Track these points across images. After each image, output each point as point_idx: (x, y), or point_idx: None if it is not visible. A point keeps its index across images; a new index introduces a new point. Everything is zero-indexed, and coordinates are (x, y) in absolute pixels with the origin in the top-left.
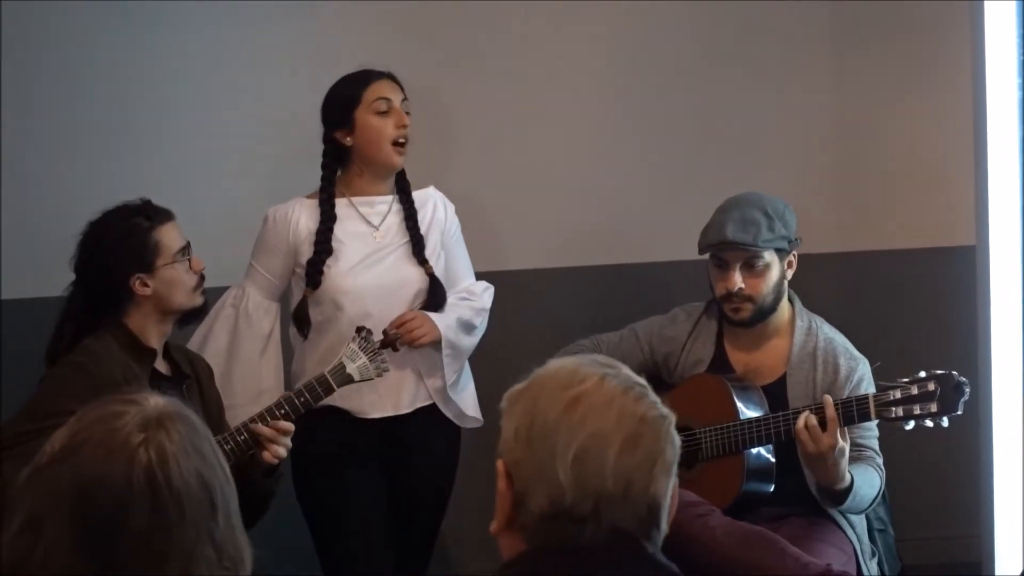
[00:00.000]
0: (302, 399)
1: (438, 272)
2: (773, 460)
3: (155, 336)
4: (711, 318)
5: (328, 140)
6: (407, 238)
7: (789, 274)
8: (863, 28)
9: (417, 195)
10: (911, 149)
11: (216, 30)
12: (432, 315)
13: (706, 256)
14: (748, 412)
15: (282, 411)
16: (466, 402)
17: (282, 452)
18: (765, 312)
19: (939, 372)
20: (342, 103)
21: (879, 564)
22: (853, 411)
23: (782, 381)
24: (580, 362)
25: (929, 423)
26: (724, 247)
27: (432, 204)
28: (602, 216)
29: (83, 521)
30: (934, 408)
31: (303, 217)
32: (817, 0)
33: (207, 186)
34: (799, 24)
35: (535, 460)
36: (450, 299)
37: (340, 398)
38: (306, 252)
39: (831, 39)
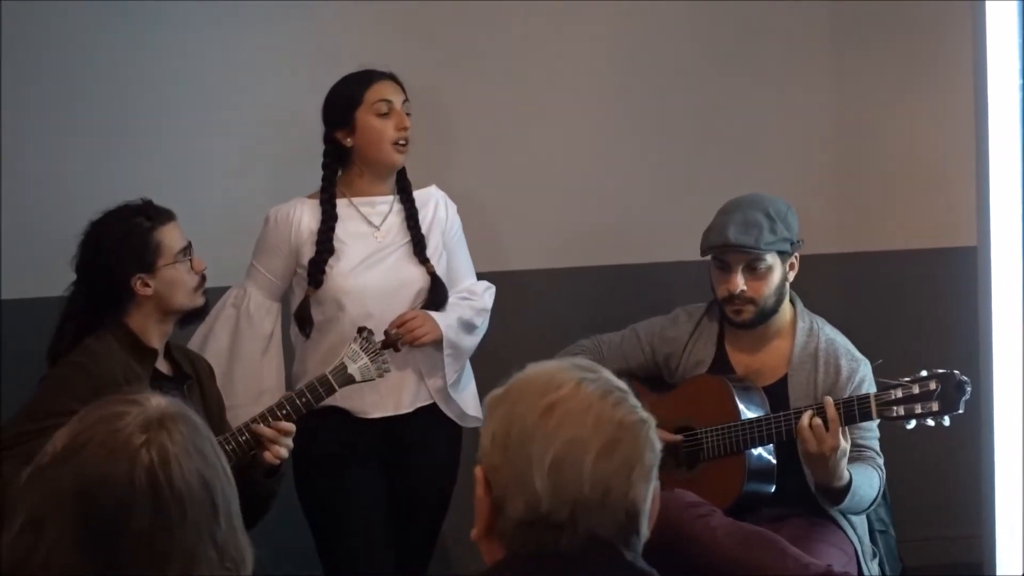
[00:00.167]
0: (303, 399)
1: (439, 271)
2: (774, 461)
3: (156, 336)
4: (712, 319)
5: (329, 140)
6: (408, 238)
7: (791, 276)
8: (863, 28)
9: (418, 194)
10: (912, 150)
11: (216, 30)
12: (433, 314)
13: (707, 257)
14: (749, 413)
15: (283, 411)
16: (467, 402)
17: (283, 452)
18: (767, 314)
19: (940, 371)
20: (343, 103)
21: (880, 565)
22: (855, 410)
23: (783, 382)
24: (559, 367)
25: (930, 422)
26: (726, 249)
27: (433, 203)
28: (602, 216)
29: (85, 521)
30: (935, 407)
31: (305, 217)
32: (817, 0)
33: (208, 186)
34: (799, 24)
35: (512, 467)
36: (451, 299)
37: (341, 398)
38: (308, 252)
39: (831, 39)
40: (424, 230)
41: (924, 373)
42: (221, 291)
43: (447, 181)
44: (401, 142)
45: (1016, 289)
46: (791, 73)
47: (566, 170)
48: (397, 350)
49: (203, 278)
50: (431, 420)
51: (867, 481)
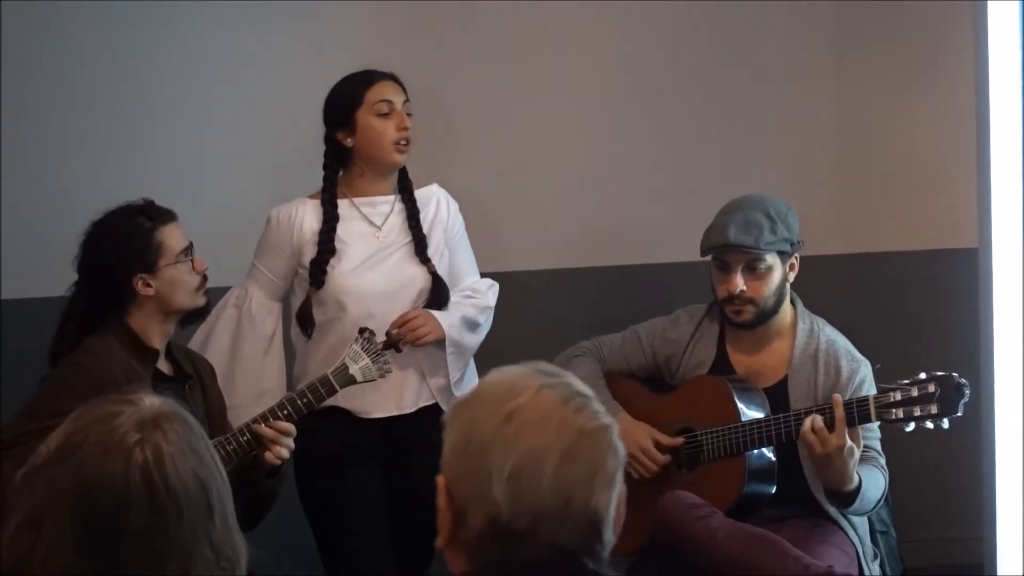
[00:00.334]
0: (304, 400)
1: (441, 270)
2: (774, 461)
3: (157, 336)
4: (713, 320)
5: (330, 140)
6: (410, 238)
7: (791, 276)
8: (864, 29)
9: (420, 193)
10: (913, 150)
11: (217, 31)
12: (436, 313)
13: (708, 258)
14: (749, 414)
15: (284, 412)
16: None
17: (284, 453)
18: (767, 314)
19: (939, 374)
20: (344, 104)
21: (881, 566)
22: (854, 413)
23: (784, 383)
24: (520, 373)
25: (929, 425)
26: (726, 249)
27: (435, 202)
28: (604, 217)
29: (83, 521)
30: (934, 410)
31: (307, 217)
32: (819, 0)
33: (209, 187)
34: (800, 25)
35: (472, 477)
36: (454, 297)
37: (343, 398)
38: (310, 252)
39: (832, 40)
40: (426, 229)
41: (923, 376)
42: (222, 291)
43: (448, 182)
44: (402, 142)
45: (1017, 291)
46: (792, 74)
47: (567, 171)
48: (399, 351)
49: (204, 278)
50: (433, 420)
51: (873, 482)
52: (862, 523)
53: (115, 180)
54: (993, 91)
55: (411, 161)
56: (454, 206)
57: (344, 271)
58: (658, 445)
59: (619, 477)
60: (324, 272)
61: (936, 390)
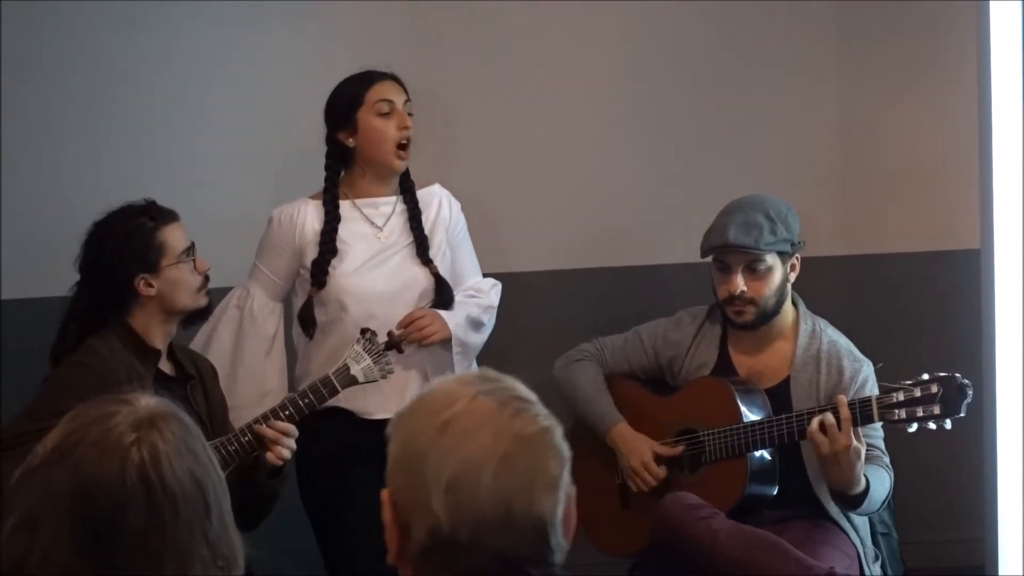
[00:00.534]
0: (306, 400)
1: (444, 270)
2: (776, 463)
3: (159, 336)
4: (715, 321)
5: (331, 141)
6: (411, 239)
7: (792, 277)
8: (866, 30)
9: (422, 193)
10: (914, 151)
11: (219, 31)
12: (442, 313)
13: (709, 259)
14: (751, 415)
15: (286, 412)
16: None
17: (286, 454)
18: (768, 315)
19: (942, 374)
20: (344, 104)
21: (882, 567)
22: (856, 413)
23: (786, 384)
24: (459, 381)
25: (932, 425)
26: (726, 250)
27: (437, 202)
28: (606, 218)
29: (81, 521)
30: (937, 410)
31: (309, 218)
32: (821, 1)
33: (211, 187)
34: (802, 26)
35: (412, 490)
36: (458, 297)
37: (344, 399)
38: (311, 253)
39: (835, 41)
40: (427, 229)
41: (926, 376)
42: (224, 292)
43: (449, 182)
44: (403, 142)
45: (1018, 291)
46: (794, 75)
47: (569, 172)
48: (401, 351)
49: (206, 278)
50: None
51: (880, 482)
52: (863, 524)
53: (116, 180)
54: (995, 92)
55: (413, 161)
56: (456, 206)
57: (346, 272)
58: (657, 457)
59: (564, 479)
60: (326, 273)
61: (939, 390)
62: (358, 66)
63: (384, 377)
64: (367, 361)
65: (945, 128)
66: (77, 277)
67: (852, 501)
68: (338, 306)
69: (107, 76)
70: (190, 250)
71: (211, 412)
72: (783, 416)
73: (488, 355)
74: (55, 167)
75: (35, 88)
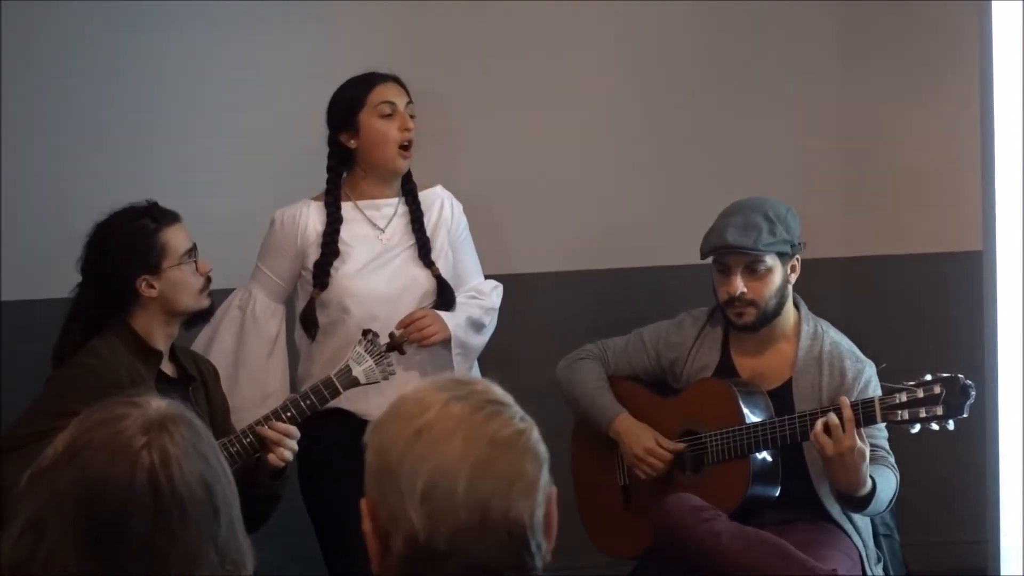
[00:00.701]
0: (308, 402)
1: (445, 271)
2: (779, 465)
3: (161, 338)
4: (716, 323)
5: (333, 143)
6: (413, 240)
7: (793, 278)
8: (869, 33)
9: (424, 195)
10: (917, 154)
11: (221, 32)
12: (442, 314)
13: (709, 261)
14: (753, 416)
15: (288, 414)
16: None
17: (288, 455)
18: (768, 316)
19: (945, 375)
20: (346, 106)
21: (884, 569)
22: (859, 414)
23: (788, 385)
24: (431, 387)
25: (935, 426)
26: (725, 251)
27: (439, 203)
28: (608, 219)
29: (86, 523)
30: (940, 411)
31: (311, 219)
32: (824, 1)
33: (213, 188)
34: (806, 27)
35: (388, 500)
36: (459, 298)
37: (346, 400)
38: (313, 254)
39: (837, 44)
40: (429, 231)
41: (929, 377)
42: (226, 293)
43: (451, 184)
44: (405, 144)
45: (1020, 293)
46: (797, 77)
47: (571, 173)
48: (402, 352)
49: (208, 280)
50: None
51: (886, 483)
52: (866, 526)
53: (117, 182)
54: (997, 94)
55: (414, 163)
56: (458, 207)
57: (348, 273)
58: (660, 446)
59: (543, 481)
60: (328, 274)
61: (942, 391)
62: (360, 67)
63: (386, 378)
64: (369, 362)
65: (948, 130)
66: (77, 278)
67: (858, 503)
68: (340, 308)
69: (108, 77)
70: (192, 251)
71: (213, 414)
72: (785, 417)
73: (490, 356)
74: (55, 168)
75: (35, 88)
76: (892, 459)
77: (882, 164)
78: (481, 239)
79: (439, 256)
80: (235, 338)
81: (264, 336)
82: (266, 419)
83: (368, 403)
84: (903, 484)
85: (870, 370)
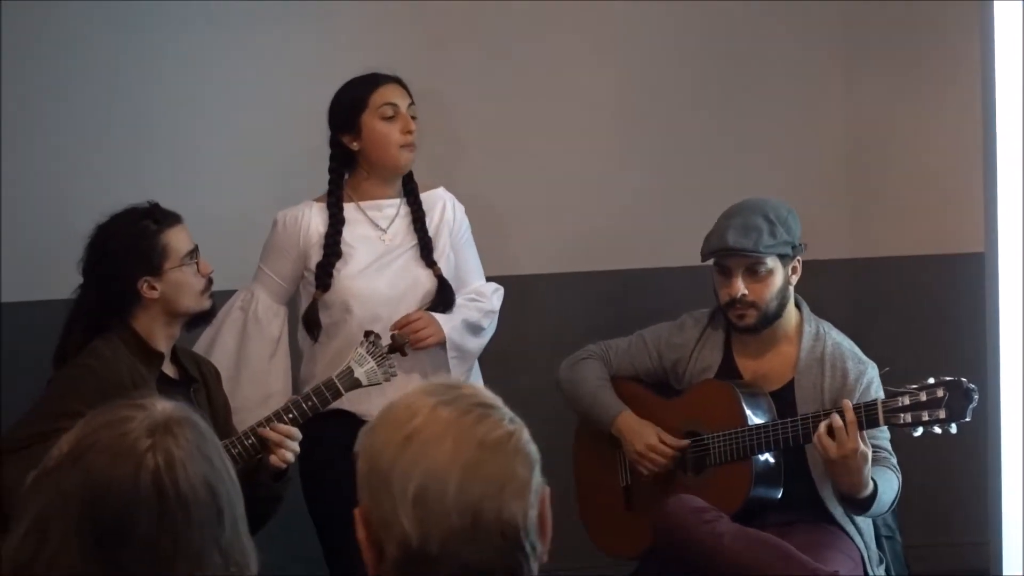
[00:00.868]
0: (310, 403)
1: (447, 273)
2: (781, 466)
3: (162, 339)
4: (718, 325)
5: (335, 144)
6: (415, 241)
7: (794, 280)
8: (872, 34)
9: (426, 196)
10: (919, 155)
11: (221, 32)
12: (438, 316)
13: (711, 262)
14: (756, 418)
15: (290, 415)
16: None
17: (290, 456)
18: (770, 318)
19: (948, 378)
20: (348, 107)
21: (886, 570)
22: (862, 417)
23: (790, 387)
24: (419, 392)
25: (937, 430)
26: (725, 253)
27: (441, 205)
28: (610, 221)
29: (90, 525)
30: (943, 415)
31: (313, 220)
32: (827, 1)
33: (214, 189)
34: (808, 29)
35: (380, 507)
36: (458, 300)
37: (348, 401)
38: (316, 256)
39: (839, 44)
40: (431, 232)
41: (931, 380)
42: (228, 294)
43: (454, 185)
44: (407, 146)
45: (1022, 295)
46: (798, 78)
47: (572, 174)
48: (404, 354)
49: (210, 281)
50: None
51: (888, 484)
52: (868, 528)
53: (118, 183)
54: (999, 95)
55: (417, 165)
56: (460, 209)
57: (350, 274)
58: (663, 443)
59: (535, 481)
60: (330, 275)
61: (945, 395)
62: (361, 67)
63: (388, 380)
64: (370, 364)
65: (950, 131)
66: (78, 280)
67: (860, 504)
68: (342, 309)
69: (108, 77)
70: (193, 253)
71: (214, 415)
72: (788, 419)
73: (491, 358)
74: (55, 169)
75: (35, 89)
76: (894, 460)
77: (884, 165)
78: (482, 240)
79: (440, 258)
80: (237, 339)
81: (266, 337)
82: (268, 420)
83: (370, 404)
84: (905, 485)
85: (872, 371)
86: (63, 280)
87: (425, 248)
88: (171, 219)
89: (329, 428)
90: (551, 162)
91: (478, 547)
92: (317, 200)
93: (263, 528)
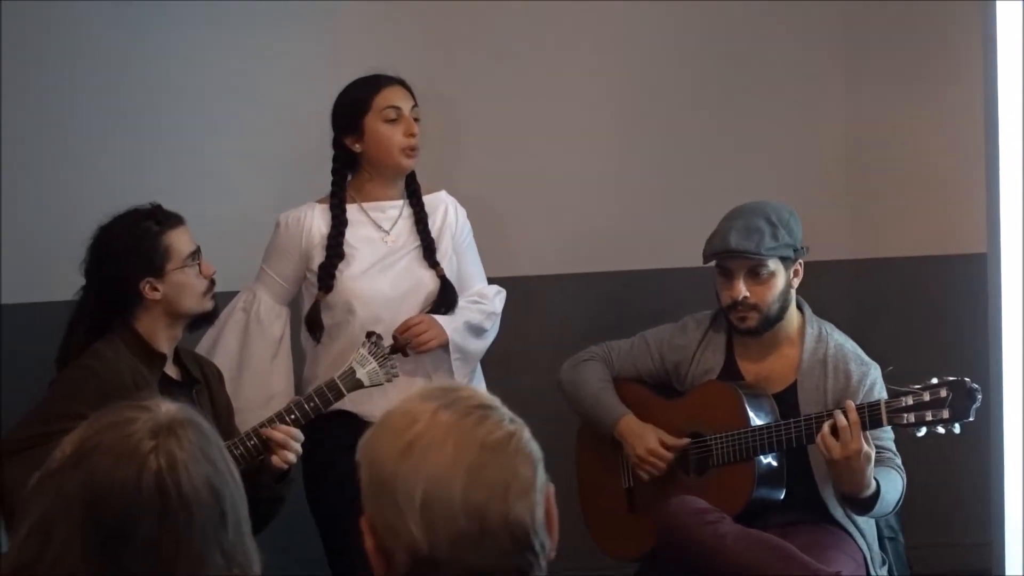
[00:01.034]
0: (312, 404)
1: (449, 276)
2: (783, 468)
3: (165, 340)
4: (720, 327)
5: (337, 145)
6: (418, 242)
7: (796, 282)
8: (873, 35)
9: (428, 199)
10: (921, 155)
11: (226, 33)
12: (439, 318)
13: (712, 264)
14: (759, 419)
15: (292, 416)
16: None
17: (292, 457)
18: (771, 320)
19: (951, 378)
20: (351, 109)
21: (889, 571)
22: (865, 417)
23: (793, 389)
24: (417, 398)
25: (941, 430)
26: (727, 256)
27: (443, 208)
28: (612, 222)
29: (93, 526)
30: (946, 415)
31: (316, 222)
32: (827, 1)
33: (217, 191)
34: (808, 29)
35: (387, 515)
36: (461, 302)
37: (350, 402)
38: (318, 257)
39: (840, 44)
40: (434, 235)
41: (935, 380)
42: (230, 295)
43: (456, 186)
44: (409, 148)
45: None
46: (799, 78)
47: (574, 176)
48: (406, 355)
49: (212, 282)
50: None
51: (892, 485)
52: (870, 528)
53: (120, 184)
54: (1001, 95)
55: (420, 166)
56: (462, 212)
57: (353, 275)
58: (664, 446)
59: (539, 480)
60: (333, 276)
61: (948, 395)
62: (365, 69)
63: (390, 380)
64: (372, 365)
65: (951, 132)
66: (79, 281)
67: (863, 504)
68: (345, 310)
69: (111, 78)
70: (196, 254)
71: (216, 416)
72: (791, 420)
73: (494, 359)
74: (56, 170)
75: (36, 89)
76: (899, 460)
77: (886, 166)
78: (485, 241)
79: (443, 260)
80: (239, 340)
81: (268, 338)
82: (270, 421)
83: (372, 405)
84: (908, 486)
85: (875, 372)
86: (64, 281)
87: (428, 249)
88: (173, 220)
89: (331, 429)
90: (551, 163)
91: (486, 550)
92: (320, 201)
93: (265, 529)
